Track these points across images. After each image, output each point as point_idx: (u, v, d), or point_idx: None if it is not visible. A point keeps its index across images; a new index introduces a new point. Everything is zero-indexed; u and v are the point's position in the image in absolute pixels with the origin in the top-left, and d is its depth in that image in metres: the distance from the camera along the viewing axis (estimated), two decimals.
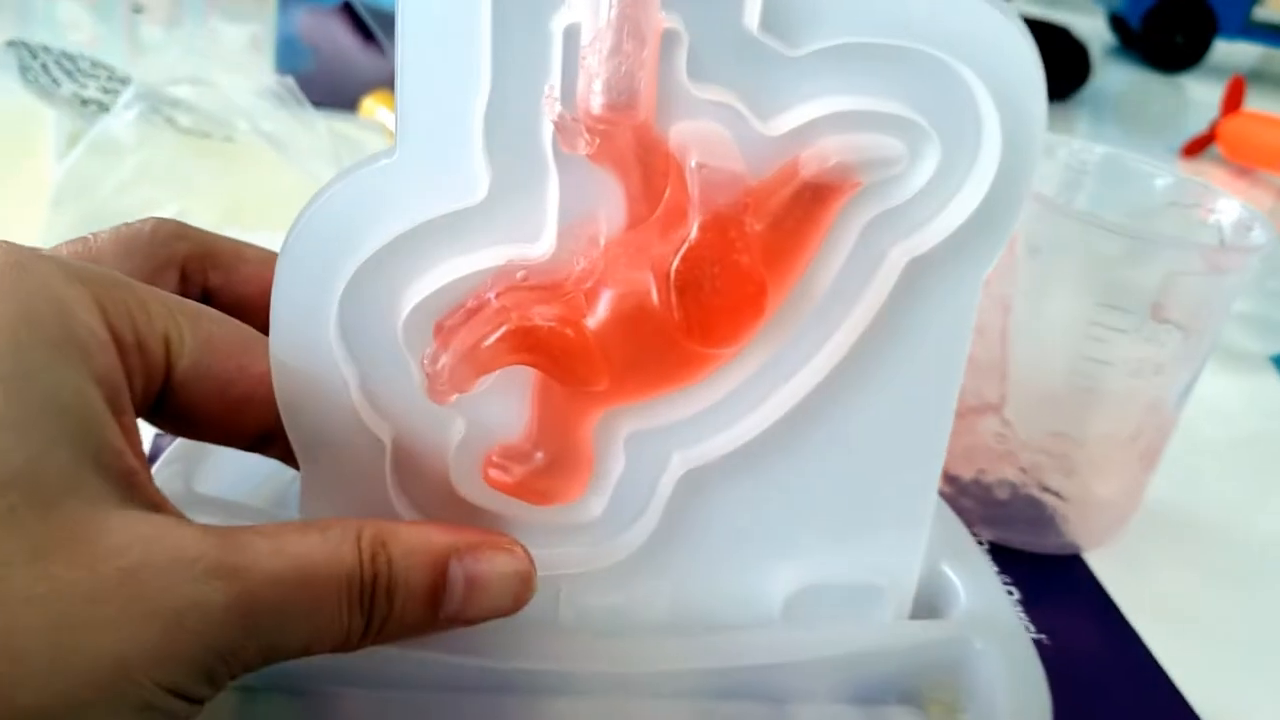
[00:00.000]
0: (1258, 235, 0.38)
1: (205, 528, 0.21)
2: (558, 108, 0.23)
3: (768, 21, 0.24)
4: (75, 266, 0.23)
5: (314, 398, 0.26)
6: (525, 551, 0.25)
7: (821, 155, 0.25)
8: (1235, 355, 0.62)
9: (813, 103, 0.25)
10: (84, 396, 0.21)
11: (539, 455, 0.26)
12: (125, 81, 0.53)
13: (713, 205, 0.24)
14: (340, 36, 0.72)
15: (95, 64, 0.54)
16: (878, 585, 0.30)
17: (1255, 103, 1.04)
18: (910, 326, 0.27)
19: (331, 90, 0.69)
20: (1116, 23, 1.60)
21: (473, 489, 0.27)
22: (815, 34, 0.24)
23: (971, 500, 0.42)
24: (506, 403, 0.26)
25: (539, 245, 0.25)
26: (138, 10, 0.93)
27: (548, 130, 0.24)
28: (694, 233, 0.24)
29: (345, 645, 0.23)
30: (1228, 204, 0.40)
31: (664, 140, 0.24)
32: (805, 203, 0.25)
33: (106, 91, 0.53)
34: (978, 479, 0.41)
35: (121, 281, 0.24)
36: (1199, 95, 1.41)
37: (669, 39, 0.23)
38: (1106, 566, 0.42)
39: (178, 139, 0.52)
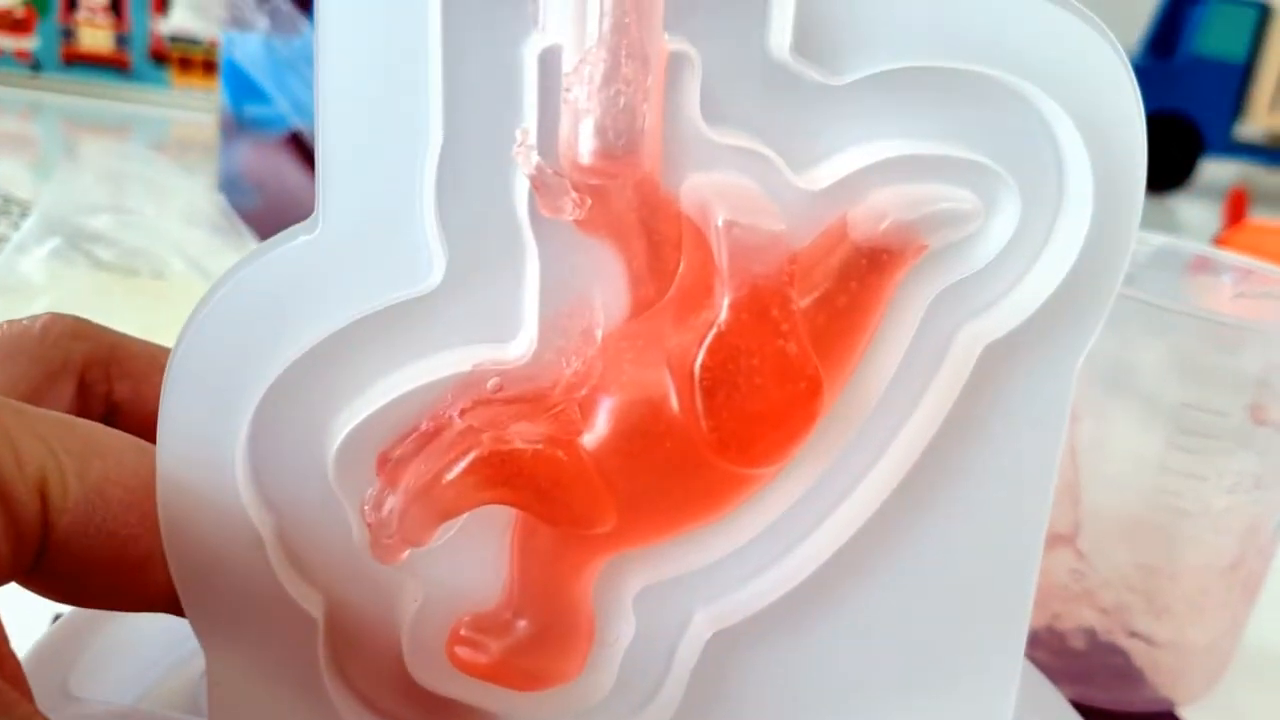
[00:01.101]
0: None
1: None
2: (534, 159, 0.17)
3: (802, 42, 0.18)
4: None
5: (217, 562, 0.19)
6: None
7: (876, 213, 0.18)
8: None
9: (860, 147, 0.19)
10: None
11: (522, 624, 0.19)
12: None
13: (748, 277, 0.17)
14: (287, 171, 0.67)
15: (7, 200, 0.48)
16: None
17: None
18: (989, 432, 0.21)
19: (279, 227, 0.63)
20: None
21: (434, 675, 0.20)
22: (861, 58, 0.18)
23: (1043, 652, 0.35)
24: (476, 557, 0.19)
25: (515, 344, 0.19)
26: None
27: (522, 190, 0.18)
28: (724, 314, 0.17)
29: None
30: None
31: (674, 199, 0.18)
32: (859, 274, 0.19)
33: (16, 229, 0.47)
34: (1050, 626, 0.34)
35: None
36: (1191, 216, 1.39)
37: (676, 65, 0.17)
38: None
39: (98, 277, 0.45)
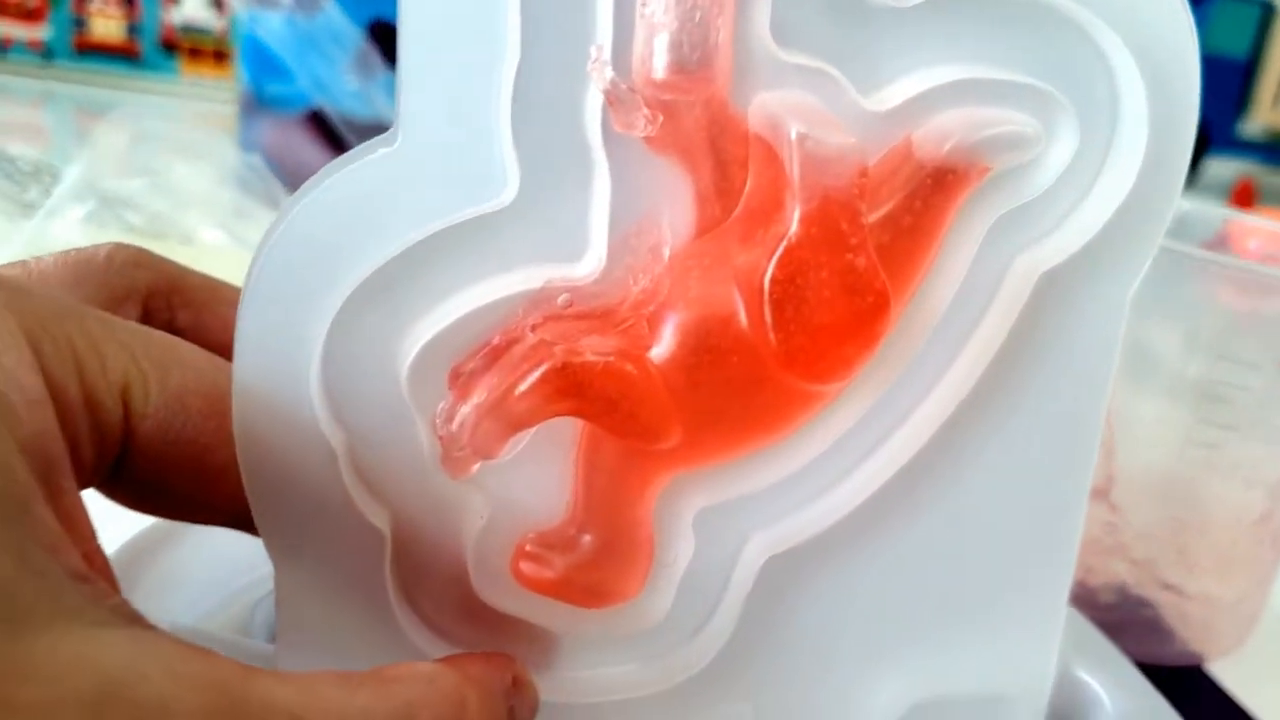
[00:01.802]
0: None
1: (185, 660, 0.14)
2: (609, 74, 0.17)
3: None
4: (9, 290, 0.16)
5: (289, 475, 0.19)
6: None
7: (941, 134, 0.19)
8: None
9: (925, 70, 0.19)
10: (3, 467, 0.14)
11: (586, 540, 0.20)
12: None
13: (819, 190, 0.17)
14: (307, 149, 0.67)
15: (38, 167, 0.48)
16: (1006, 696, 0.23)
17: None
18: (1043, 361, 0.21)
19: None
20: None
21: (499, 591, 0.20)
22: None
23: (1075, 605, 0.35)
24: (541, 474, 0.20)
25: (585, 261, 0.19)
26: None
27: (594, 110, 0.18)
28: (794, 226, 0.17)
29: None
30: None
31: (742, 119, 0.18)
32: (924, 194, 0.19)
33: (48, 195, 0.47)
34: (1083, 580, 0.34)
35: (68, 310, 0.17)
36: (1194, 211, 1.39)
37: None
38: (1236, 678, 0.35)
39: (129, 241, 0.45)
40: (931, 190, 0.19)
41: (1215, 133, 1.44)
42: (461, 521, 0.20)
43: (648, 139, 0.18)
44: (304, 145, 0.68)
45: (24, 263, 0.20)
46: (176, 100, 1.33)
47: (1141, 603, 0.34)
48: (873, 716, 0.22)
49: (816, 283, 0.18)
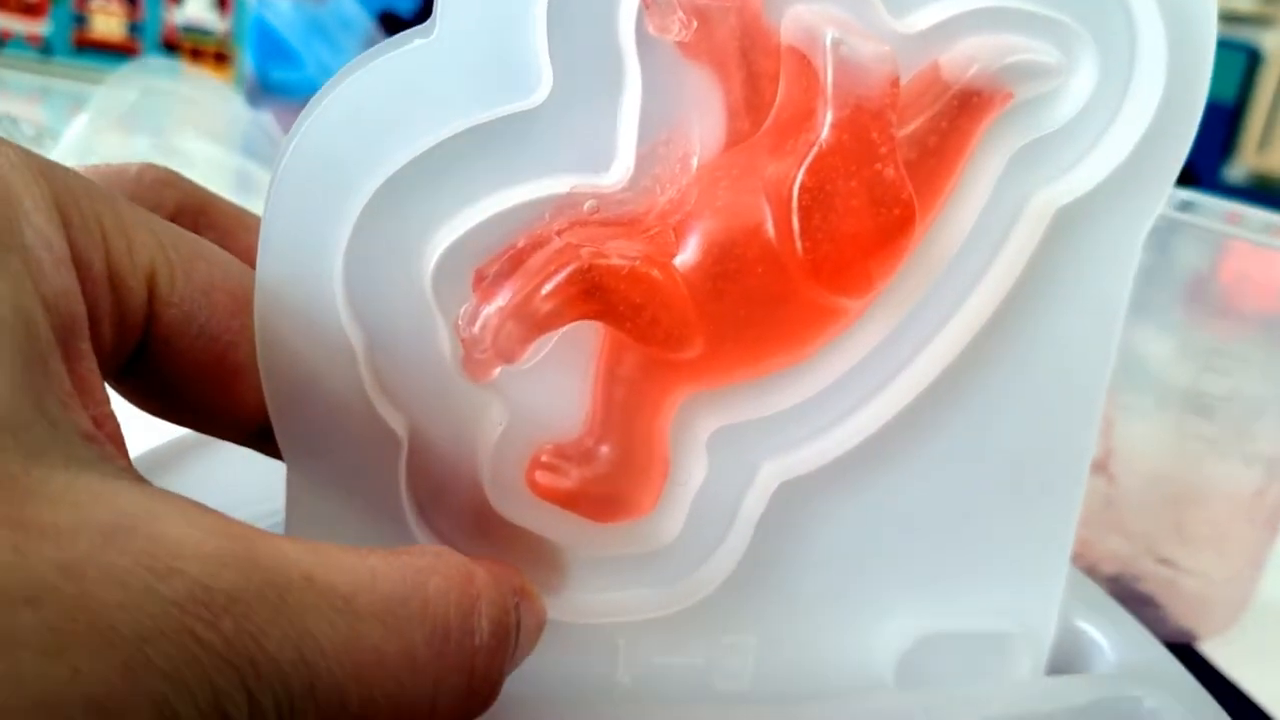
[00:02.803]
0: None
1: (206, 518, 0.14)
2: None
3: None
4: (44, 162, 0.16)
5: (308, 374, 0.18)
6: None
7: (966, 58, 0.19)
8: None
9: None
10: (26, 317, 0.14)
11: (603, 451, 0.19)
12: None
13: (851, 97, 0.17)
14: None
15: (41, 132, 0.47)
16: (1010, 633, 0.23)
17: None
18: (1057, 296, 0.21)
19: None
20: None
21: (513, 501, 0.20)
22: None
23: None
24: (562, 385, 0.19)
25: (613, 169, 0.18)
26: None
27: (629, 12, 0.18)
28: (825, 132, 0.17)
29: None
30: None
31: (774, 33, 0.18)
32: (949, 115, 0.19)
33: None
34: (1080, 554, 0.34)
35: (100, 193, 0.17)
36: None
37: None
38: (1227, 658, 0.35)
39: None
40: (957, 112, 0.19)
41: (1201, 176, 1.46)
42: (479, 429, 0.19)
43: (681, 45, 0.18)
44: None
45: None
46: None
47: (1136, 577, 0.34)
48: (877, 650, 0.22)
49: (845, 191, 0.18)
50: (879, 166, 0.18)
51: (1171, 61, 0.19)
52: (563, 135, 0.18)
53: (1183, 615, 0.35)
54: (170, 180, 0.22)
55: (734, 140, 0.18)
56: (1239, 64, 1.43)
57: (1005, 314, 0.21)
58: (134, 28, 1.33)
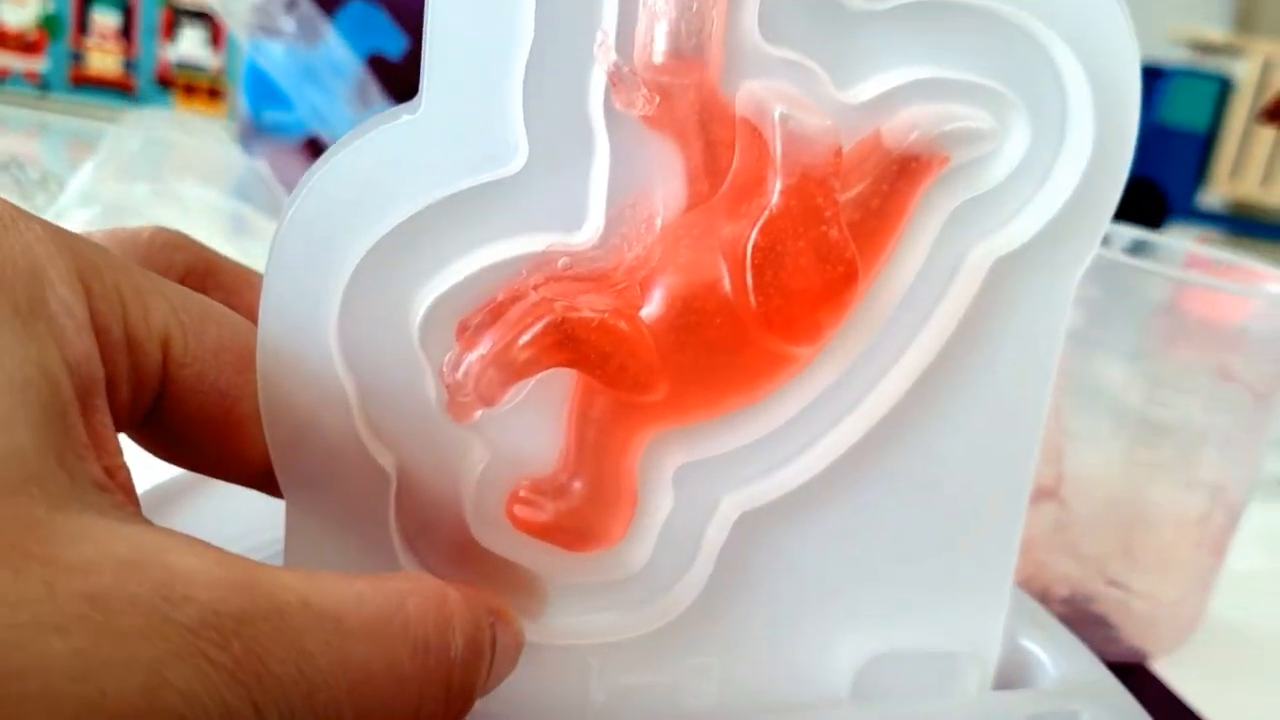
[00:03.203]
0: None
1: (211, 553, 0.15)
2: (612, 57, 0.19)
3: None
4: (66, 235, 0.18)
5: (306, 416, 0.20)
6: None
7: (907, 126, 0.20)
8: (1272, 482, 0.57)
9: (894, 69, 0.20)
10: (52, 379, 0.16)
11: (576, 487, 0.21)
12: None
13: (798, 166, 0.19)
14: (300, 175, 0.68)
15: (46, 175, 0.49)
16: (957, 653, 0.24)
17: None
18: (995, 340, 0.22)
19: None
20: None
21: (493, 534, 0.21)
22: None
23: None
24: (537, 424, 0.21)
25: (585, 229, 0.20)
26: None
27: (597, 90, 0.19)
28: (775, 199, 0.19)
29: None
30: (1275, 280, 0.36)
31: (730, 104, 0.20)
32: (890, 179, 0.20)
33: (54, 203, 0.48)
34: (1034, 577, 0.36)
35: (118, 263, 0.18)
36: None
37: None
38: (1178, 676, 0.37)
39: None
40: (897, 176, 0.20)
41: (1175, 202, 1.48)
42: (462, 466, 0.21)
43: (645, 118, 0.19)
44: (301, 171, 0.69)
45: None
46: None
47: (1088, 599, 0.36)
48: (834, 668, 0.24)
49: (794, 251, 0.19)
50: (824, 228, 0.19)
51: (1099, 125, 0.21)
52: (538, 199, 0.20)
53: (1134, 635, 0.36)
54: (179, 243, 0.23)
55: (694, 202, 0.20)
56: (1211, 94, 1.46)
57: (947, 358, 0.22)
58: (129, 64, 1.35)
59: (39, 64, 1.36)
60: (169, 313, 0.19)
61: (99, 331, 0.17)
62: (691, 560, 0.22)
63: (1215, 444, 0.33)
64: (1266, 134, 1.44)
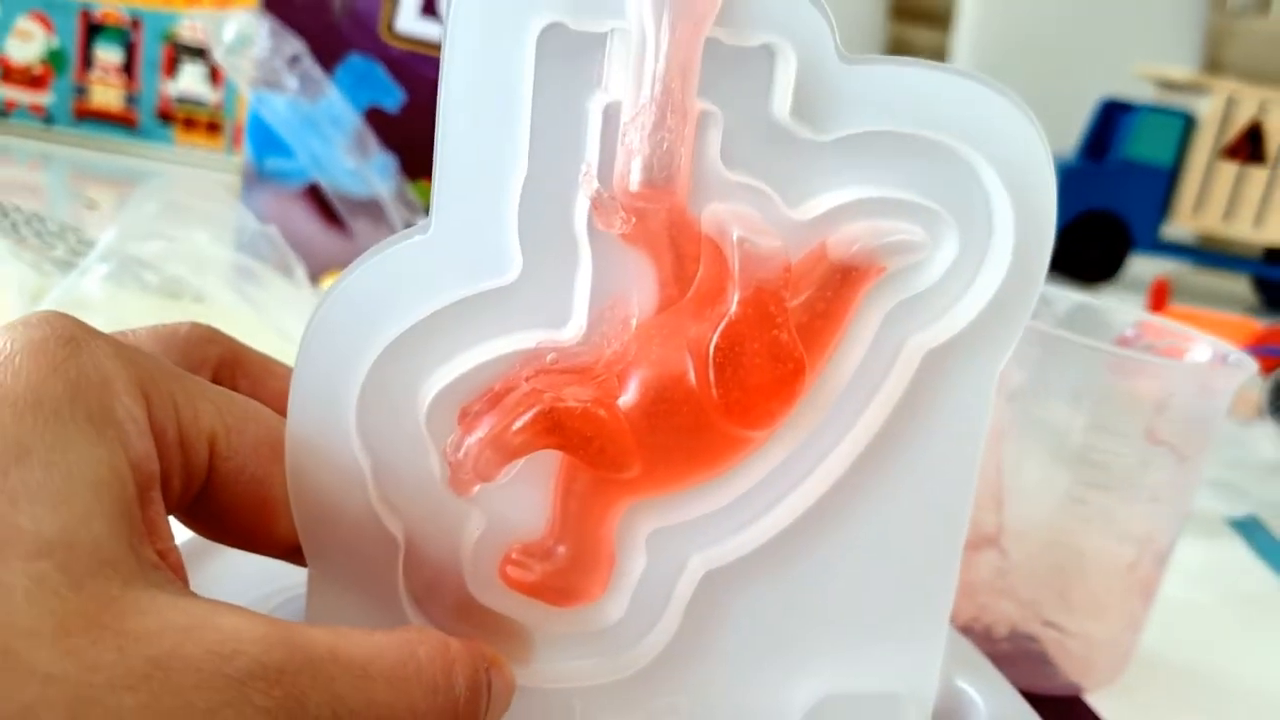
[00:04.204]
0: (1238, 359, 0.37)
1: (251, 616, 0.18)
2: (594, 185, 0.22)
3: (798, 108, 0.23)
4: (128, 350, 0.20)
5: (327, 490, 0.23)
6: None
7: (849, 239, 0.23)
8: (1194, 519, 0.61)
9: (838, 190, 0.23)
10: (120, 476, 0.19)
11: (561, 550, 0.24)
12: (92, 244, 0.51)
13: (753, 280, 0.22)
14: (301, 222, 0.71)
15: (64, 227, 0.51)
16: (898, 694, 0.27)
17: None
18: (928, 420, 0.25)
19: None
20: None
21: (489, 591, 0.24)
22: (841, 122, 0.23)
23: (971, 640, 0.39)
24: (527, 497, 0.24)
25: (569, 328, 0.23)
26: (91, 207, 0.91)
27: (582, 212, 0.22)
28: (734, 308, 0.22)
29: None
30: (1202, 343, 0.39)
31: (697, 222, 0.23)
32: (834, 285, 0.23)
33: (74, 254, 0.50)
34: (977, 617, 0.39)
35: (172, 372, 0.21)
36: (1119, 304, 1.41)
37: (705, 120, 0.22)
38: (1111, 708, 0.39)
39: (146, 299, 0.49)
40: (840, 283, 0.23)
41: (1140, 234, 1.50)
42: (462, 533, 0.24)
43: (623, 235, 0.22)
44: (301, 216, 0.72)
45: (124, 333, 0.24)
46: (169, 165, 1.36)
47: (1029, 638, 0.39)
48: (788, 708, 0.26)
49: (750, 351, 0.22)
50: (776, 332, 0.22)
51: (1019, 237, 0.24)
52: (530, 303, 0.23)
53: (1071, 670, 0.39)
54: (212, 338, 0.26)
55: (665, 306, 0.23)
56: (1176, 129, 1.48)
57: (885, 437, 0.25)
58: (131, 99, 1.37)
59: (44, 98, 1.38)
60: (214, 415, 0.22)
61: (156, 434, 0.20)
62: (661, 613, 0.25)
63: (1144, 499, 0.36)
64: (1229, 169, 1.46)
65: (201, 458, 0.21)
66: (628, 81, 0.21)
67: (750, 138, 0.23)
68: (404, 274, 0.22)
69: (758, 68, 0.22)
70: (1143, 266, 1.51)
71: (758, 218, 0.23)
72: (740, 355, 0.22)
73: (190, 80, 1.38)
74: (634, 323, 0.23)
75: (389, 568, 0.23)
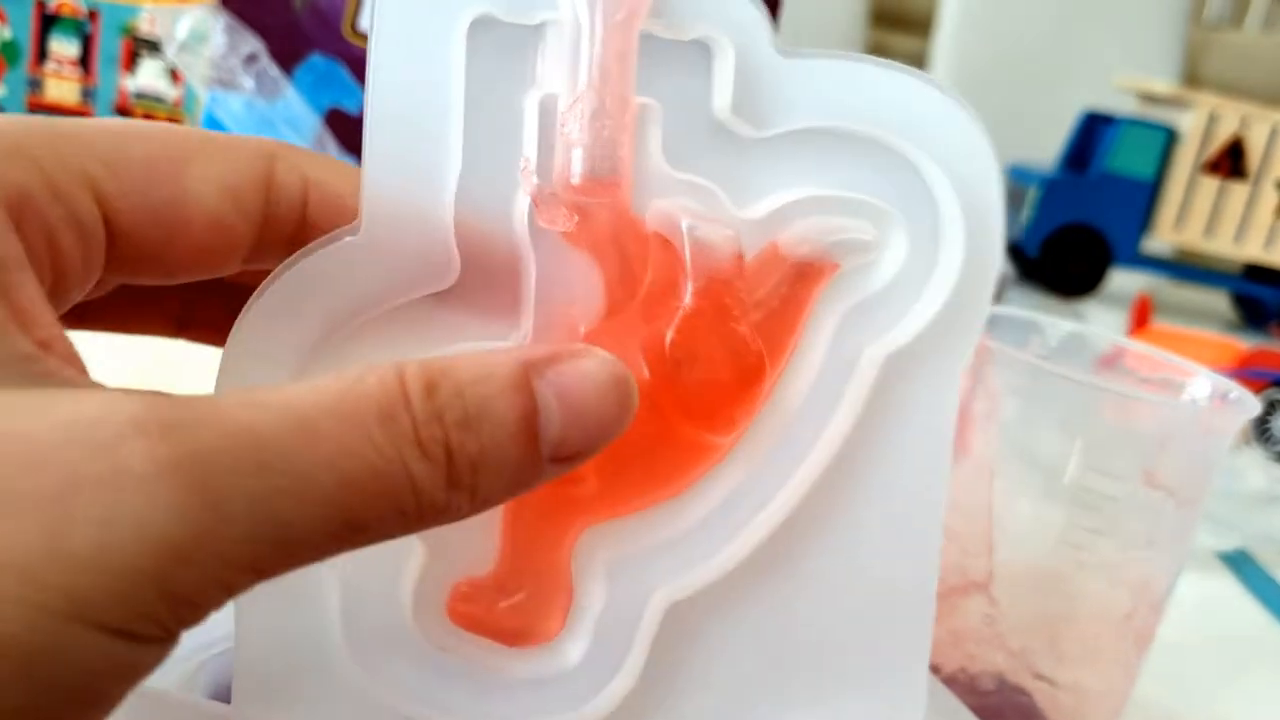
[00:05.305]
0: (1240, 398, 0.36)
1: (131, 391, 0.15)
2: (534, 180, 0.21)
3: (737, 105, 0.22)
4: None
5: None
6: (605, 353, 0.19)
7: (799, 238, 0.22)
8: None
9: (782, 188, 0.23)
10: None
11: (513, 582, 0.21)
12: None
13: (705, 270, 0.21)
14: None
15: None
16: None
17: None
18: (892, 429, 0.24)
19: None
20: (1014, 252, 1.49)
21: (434, 630, 0.21)
22: (781, 118, 0.22)
23: (957, 691, 0.36)
24: (475, 526, 0.21)
25: (515, 336, 0.21)
26: None
27: (522, 211, 0.21)
28: (688, 299, 0.21)
29: (426, 507, 0.16)
30: (1201, 377, 0.38)
31: (642, 222, 0.22)
32: (788, 283, 0.22)
33: None
34: (964, 668, 0.37)
35: (27, 125, 0.18)
36: (1099, 321, 1.36)
37: (645, 114, 0.21)
38: None
39: None
40: (794, 281, 0.22)
41: (1121, 248, 1.48)
42: (404, 568, 0.21)
43: (566, 234, 0.21)
44: None
45: None
46: None
47: (1018, 690, 0.36)
48: None
49: (707, 346, 0.21)
50: (733, 325, 0.21)
51: (968, 232, 0.23)
52: (471, 310, 0.21)
53: None
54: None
55: (612, 310, 0.22)
56: (1158, 143, 1.49)
57: (850, 450, 0.24)
58: (87, 93, 1.32)
59: None
60: (88, 158, 0.18)
61: (14, 207, 0.17)
62: (626, 653, 0.23)
63: (1141, 544, 0.35)
64: (1210, 184, 1.46)
65: (87, 205, 0.18)
66: (563, 71, 0.21)
67: (691, 134, 0.22)
68: (331, 280, 0.20)
69: (695, 63, 0.22)
70: (1123, 281, 1.48)
71: (705, 210, 0.22)
72: (697, 350, 0.21)
73: (149, 75, 1.33)
74: (582, 328, 0.21)
75: (323, 611, 0.21)
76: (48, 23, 1.08)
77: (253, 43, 0.65)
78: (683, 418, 0.21)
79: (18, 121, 0.18)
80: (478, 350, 0.18)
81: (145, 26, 1.01)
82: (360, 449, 0.15)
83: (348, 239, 0.20)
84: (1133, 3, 1.81)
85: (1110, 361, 0.41)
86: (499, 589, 0.21)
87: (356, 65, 0.69)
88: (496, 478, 0.17)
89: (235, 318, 0.20)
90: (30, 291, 0.17)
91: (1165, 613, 0.37)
